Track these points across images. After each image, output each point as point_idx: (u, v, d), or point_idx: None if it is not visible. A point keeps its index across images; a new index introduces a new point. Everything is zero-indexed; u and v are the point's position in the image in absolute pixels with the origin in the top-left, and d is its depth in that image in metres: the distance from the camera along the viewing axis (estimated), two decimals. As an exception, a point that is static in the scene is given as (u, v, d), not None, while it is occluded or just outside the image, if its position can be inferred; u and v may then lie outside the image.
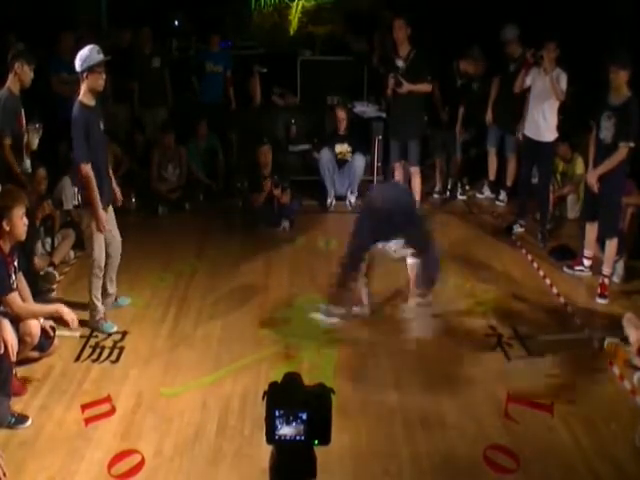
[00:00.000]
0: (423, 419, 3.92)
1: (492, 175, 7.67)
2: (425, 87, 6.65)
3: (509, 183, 7.42)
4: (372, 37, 8.59)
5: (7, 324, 3.87)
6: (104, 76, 4.50)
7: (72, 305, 5.10)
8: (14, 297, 3.95)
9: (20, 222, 3.97)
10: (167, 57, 8.31)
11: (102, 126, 4.69)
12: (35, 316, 4.14)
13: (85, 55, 4.41)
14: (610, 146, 5.25)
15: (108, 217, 4.78)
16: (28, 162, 5.15)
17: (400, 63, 6.62)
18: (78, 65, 4.43)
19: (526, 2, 7.80)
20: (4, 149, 4.77)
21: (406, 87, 6.54)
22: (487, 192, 7.76)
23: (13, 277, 4.05)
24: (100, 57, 4.42)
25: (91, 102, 4.52)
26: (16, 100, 4.86)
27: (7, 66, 4.90)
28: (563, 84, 6.16)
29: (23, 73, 4.79)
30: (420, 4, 8.10)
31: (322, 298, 5.09)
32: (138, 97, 7.98)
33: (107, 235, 4.80)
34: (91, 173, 4.47)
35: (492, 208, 7.50)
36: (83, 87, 4.47)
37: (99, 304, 4.82)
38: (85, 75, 4.43)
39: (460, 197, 7.82)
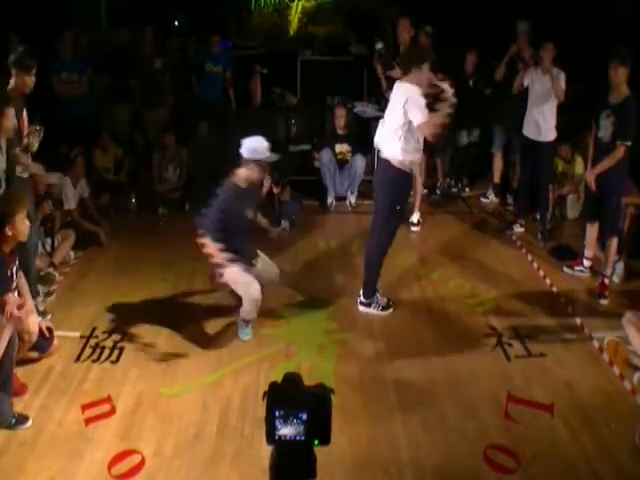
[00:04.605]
0: (423, 419, 3.92)
1: (497, 178, 7.59)
2: None
3: (515, 186, 7.30)
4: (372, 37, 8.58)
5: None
6: (263, 170, 4.66)
7: (72, 305, 5.16)
8: (9, 298, 3.96)
9: (23, 225, 4.02)
10: (168, 58, 8.31)
11: (249, 215, 4.78)
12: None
13: (255, 147, 4.54)
14: (609, 145, 5.25)
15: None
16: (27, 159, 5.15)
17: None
18: (246, 152, 4.52)
19: (527, 1, 7.80)
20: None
21: (396, 72, 6.52)
22: (492, 196, 7.65)
23: (14, 276, 4.06)
24: (268, 155, 4.57)
25: (244, 185, 4.63)
26: (18, 101, 4.87)
27: (9, 69, 4.91)
28: (562, 84, 6.17)
29: (22, 81, 4.83)
30: (423, 3, 8.09)
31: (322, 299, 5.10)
32: (139, 98, 7.98)
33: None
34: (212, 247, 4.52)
35: (501, 213, 7.34)
36: (242, 174, 4.59)
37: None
38: (249, 164, 4.55)
39: (453, 196, 7.77)
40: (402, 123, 4.71)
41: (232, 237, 4.58)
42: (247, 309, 4.71)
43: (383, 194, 4.96)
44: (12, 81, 4.85)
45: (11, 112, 4.37)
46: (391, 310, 5.15)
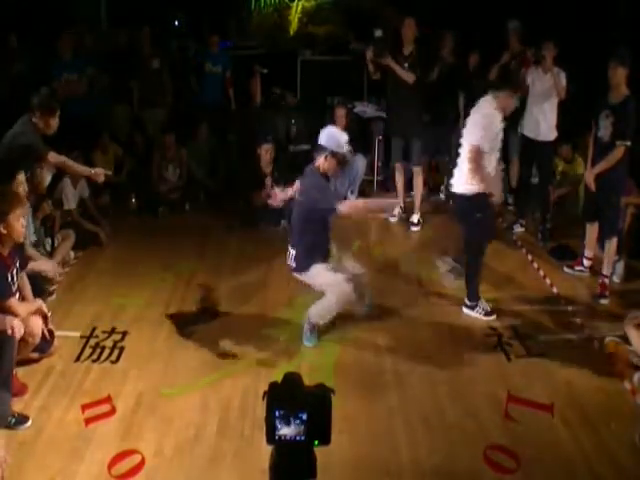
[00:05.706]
0: (423, 419, 3.92)
1: None
2: (408, 76, 6.51)
3: (514, 185, 7.28)
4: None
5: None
6: (337, 166, 4.55)
7: (72, 305, 5.16)
8: (12, 301, 3.96)
9: (18, 224, 3.96)
10: (166, 58, 8.32)
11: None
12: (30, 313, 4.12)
13: (336, 139, 4.47)
14: (608, 145, 5.26)
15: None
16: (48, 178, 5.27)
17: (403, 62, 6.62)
18: (324, 141, 4.45)
19: (527, 2, 7.80)
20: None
21: (388, 60, 6.51)
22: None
23: (15, 279, 4.05)
24: (346, 148, 4.47)
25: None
26: (38, 139, 4.93)
27: (32, 108, 4.93)
28: (563, 81, 6.18)
29: (45, 123, 4.87)
30: (422, 3, 8.09)
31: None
32: (138, 98, 7.98)
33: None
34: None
35: (501, 213, 7.26)
36: (322, 163, 4.49)
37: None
38: (327, 156, 4.47)
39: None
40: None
41: (322, 232, 4.57)
42: (322, 311, 4.56)
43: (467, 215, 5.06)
44: (34, 120, 4.88)
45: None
46: (494, 317, 5.05)
